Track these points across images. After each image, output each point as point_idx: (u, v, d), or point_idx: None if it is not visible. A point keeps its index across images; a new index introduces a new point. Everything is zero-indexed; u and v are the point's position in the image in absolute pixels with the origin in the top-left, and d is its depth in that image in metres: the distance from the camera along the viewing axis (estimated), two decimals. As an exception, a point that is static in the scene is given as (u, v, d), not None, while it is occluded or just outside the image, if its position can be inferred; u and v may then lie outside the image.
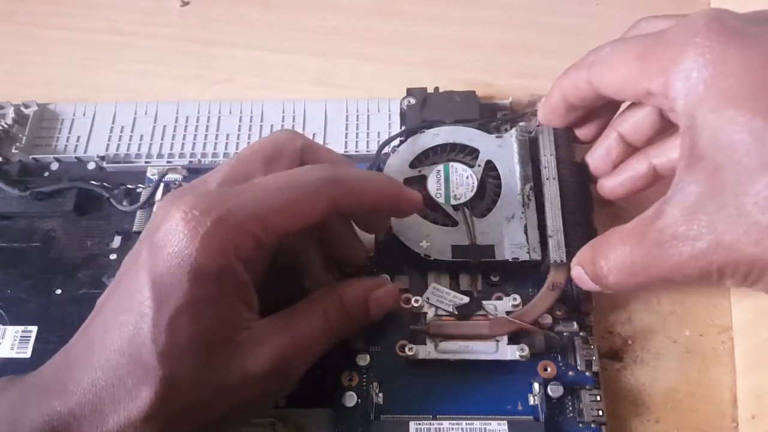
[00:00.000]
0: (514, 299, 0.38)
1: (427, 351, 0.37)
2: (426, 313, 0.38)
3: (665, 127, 0.37)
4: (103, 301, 0.30)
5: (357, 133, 0.48)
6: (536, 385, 0.37)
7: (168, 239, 0.27)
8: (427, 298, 0.39)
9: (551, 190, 0.39)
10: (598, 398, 0.37)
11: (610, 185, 0.40)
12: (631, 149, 0.39)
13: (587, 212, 0.39)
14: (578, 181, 0.40)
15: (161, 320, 0.26)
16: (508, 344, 0.37)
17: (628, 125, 0.38)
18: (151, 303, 0.27)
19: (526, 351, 0.36)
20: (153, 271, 0.27)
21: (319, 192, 0.31)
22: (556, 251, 0.37)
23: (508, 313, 0.38)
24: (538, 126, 0.41)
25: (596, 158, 0.40)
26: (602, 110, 0.40)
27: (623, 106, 0.40)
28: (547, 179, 0.39)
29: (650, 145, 0.38)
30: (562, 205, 0.38)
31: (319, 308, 0.33)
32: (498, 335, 0.37)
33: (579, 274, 0.35)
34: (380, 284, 0.37)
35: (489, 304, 0.38)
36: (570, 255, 0.36)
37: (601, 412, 0.37)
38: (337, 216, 0.35)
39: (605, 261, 0.32)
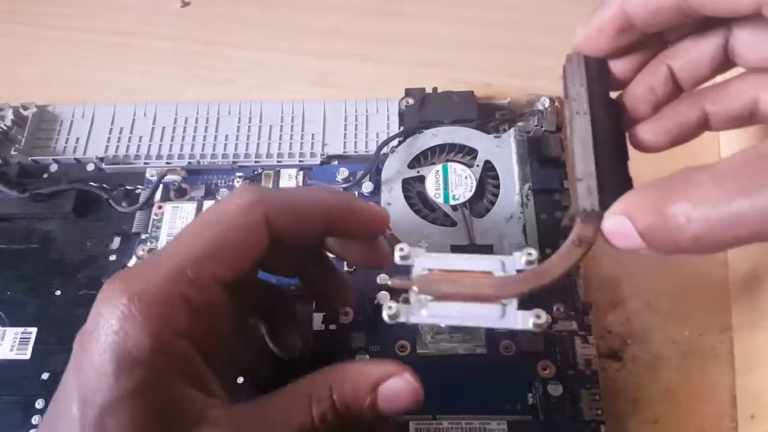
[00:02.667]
0: (529, 254, 0.29)
1: (410, 312, 0.28)
2: (412, 265, 0.29)
3: (724, 67, 0.31)
4: (53, 400, 0.26)
5: (356, 134, 0.48)
6: (536, 385, 0.37)
7: (92, 331, 0.24)
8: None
9: (582, 126, 0.31)
10: (597, 398, 0.37)
11: (653, 132, 0.32)
12: (676, 92, 0.32)
13: (622, 159, 0.31)
14: (612, 122, 0.32)
15: (86, 425, 0.23)
16: (519, 310, 0.28)
17: (683, 60, 0.31)
18: (78, 408, 0.23)
19: (543, 318, 0.28)
20: (78, 370, 0.24)
21: (249, 217, 0.27)
22: (587, 198, 0.29)
23: (520, 271, 0.29)
24: (569, 54, 0.34)
25: (637, 96, 0.32)
26: (647, 45, 0.32)
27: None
28: (576, 113, 0.31)
29: (700, 89, 0.32)
30: (595, 145, 0.31)
31: (304, 403, 0.26)
32: (505, 297, 0.28)
33: (621, 226, 0.26)
34: (392, 372, 0.28)
35: (495, 260, 0.29)
36: (604, 204, 0.29)
37: (600, 412, 0.37)
38: (314, 253, 0.31)
39: (690, 206, 0.24)
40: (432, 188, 0.43)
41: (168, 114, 0.50)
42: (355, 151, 0.47)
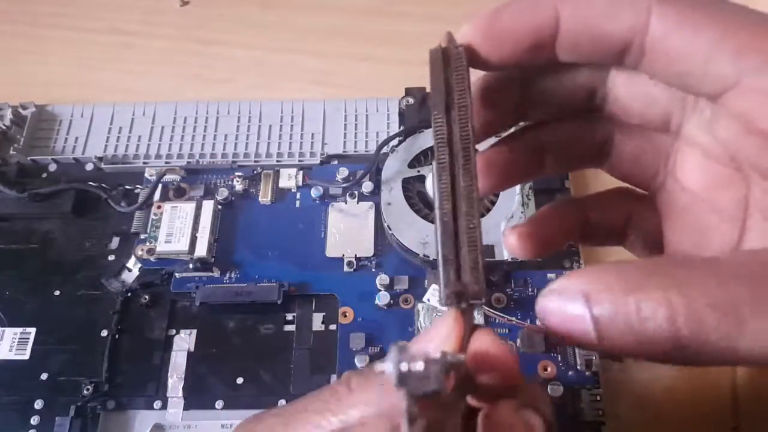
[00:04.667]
0: None
1: None
2: None
3: (596, 163, 0.26)
4: None
5: (356, 133, 0.48)
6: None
7: None
8: (428, 300, 0.39)
9: (473, 161, 0.21)
10: (598, 398, 0.37)
11: (532, 234, 0.26)
12: (532, 169, 0.26)
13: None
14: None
15: None
16: None
17: (559, 136, 0.26)
18: None
19: None
20: None
21: None
22: (472, 272, 0.20)
23: None
24: (451, 45, 0.22)
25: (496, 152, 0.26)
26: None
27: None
28: (465, 138, 0.21)
29: (580, 195, 0.28)
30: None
31: None
32: None
33: (572, 307, 0.19)
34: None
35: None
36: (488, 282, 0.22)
37: (601, 413, 0.37)
38: None
39: (683, 301, 0.17)
40: (432, 188, 0.43)
41: (167, 114, 0.50)
42: (355, 151, 0.47)
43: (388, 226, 0.42)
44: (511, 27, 0.22)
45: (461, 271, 0.20)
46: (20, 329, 0.42)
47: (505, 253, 0.40)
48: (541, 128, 0.26)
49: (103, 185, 0.46)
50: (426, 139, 0.45)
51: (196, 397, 0.39)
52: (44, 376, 0.40)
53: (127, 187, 0.46)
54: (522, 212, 0.41)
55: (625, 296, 0.18)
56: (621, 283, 0.18)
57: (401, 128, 0.47)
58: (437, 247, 0.20)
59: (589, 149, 0.26)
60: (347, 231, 0.44)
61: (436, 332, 0.20)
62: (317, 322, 0.41)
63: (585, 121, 0.25)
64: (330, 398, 0.21)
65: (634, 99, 0.23)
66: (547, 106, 0.25)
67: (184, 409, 0.39)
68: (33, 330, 0.42)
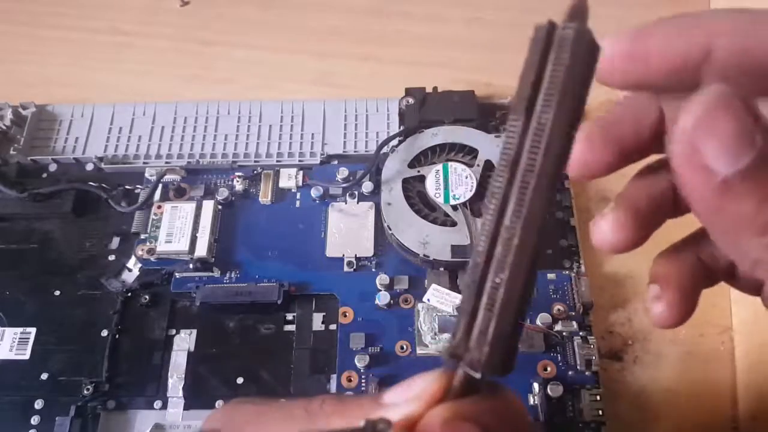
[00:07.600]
0: None
1: None
2: None
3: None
4: None
5: (356, 133, 0.48)
6: (536, 385, 0.37)
7: None
8: (428, 300, 0.39)
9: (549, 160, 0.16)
10: (598, 398, 0.37)
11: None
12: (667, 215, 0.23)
13: None
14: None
15: None
16: None
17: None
18: None
19: None
20: None
21: None
22: (479, 338, 0.16)
23: None
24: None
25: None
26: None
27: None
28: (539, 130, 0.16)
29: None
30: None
31: None
32: None
33: None
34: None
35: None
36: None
37: (600, 412, 0.37)
38: None
39: None
40: (432, 188, 0.43)
41: (167, 114, 0.50)
42: (355, 151, 0.47)
43: (388, 226, 0.42)
44: (660, 47, 0.20)
45: (472, 331, 0.17)
46: (20, 329, 0.42)
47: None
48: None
49: (104, 185, 0.46)
50: (426, 139, 0.45)
51: (197, 397, 0.39)
52: (44, 376, 0.40)
53: (127, 187, 0.46)
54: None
55: None
56: None
57: (401, 128, 0.47)
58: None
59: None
60: (347, 231, 0.44)
61: (416, 385, 0.19)
62: (317, 322, 0.41)
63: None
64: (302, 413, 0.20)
65: None
66: None
67: (184, 409, 0.39)
68: (33, 330, 0.42)
